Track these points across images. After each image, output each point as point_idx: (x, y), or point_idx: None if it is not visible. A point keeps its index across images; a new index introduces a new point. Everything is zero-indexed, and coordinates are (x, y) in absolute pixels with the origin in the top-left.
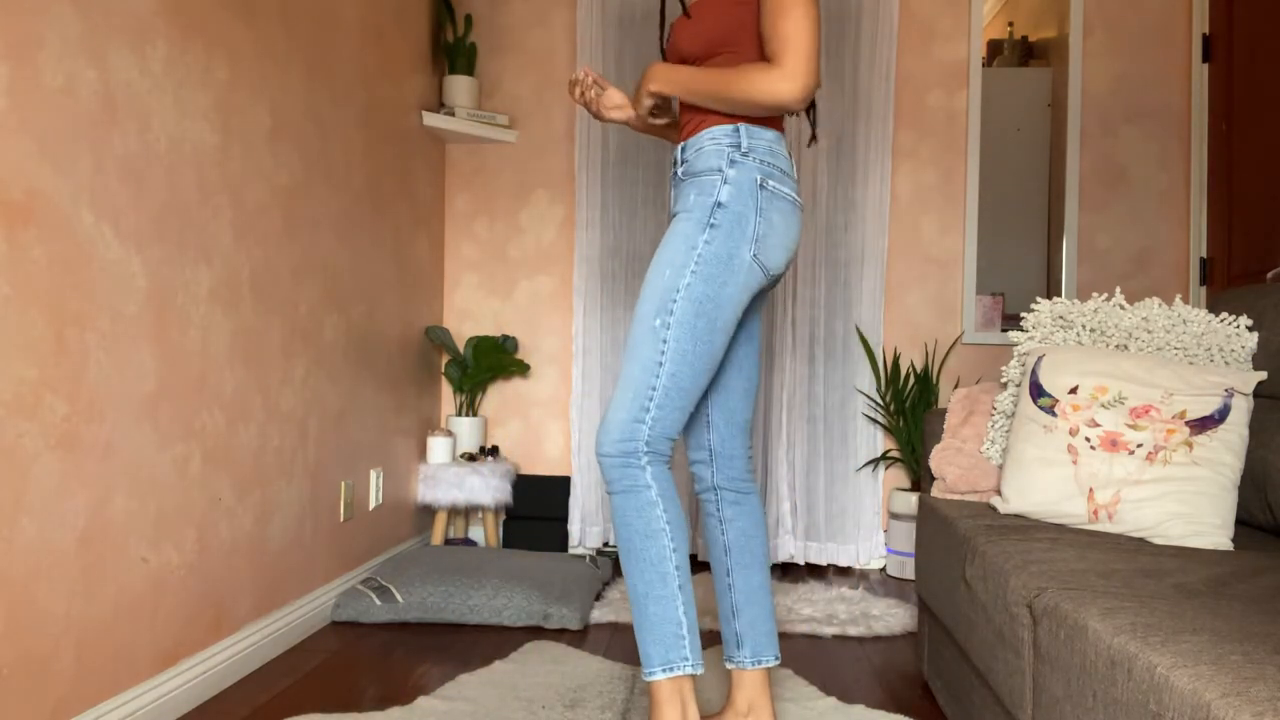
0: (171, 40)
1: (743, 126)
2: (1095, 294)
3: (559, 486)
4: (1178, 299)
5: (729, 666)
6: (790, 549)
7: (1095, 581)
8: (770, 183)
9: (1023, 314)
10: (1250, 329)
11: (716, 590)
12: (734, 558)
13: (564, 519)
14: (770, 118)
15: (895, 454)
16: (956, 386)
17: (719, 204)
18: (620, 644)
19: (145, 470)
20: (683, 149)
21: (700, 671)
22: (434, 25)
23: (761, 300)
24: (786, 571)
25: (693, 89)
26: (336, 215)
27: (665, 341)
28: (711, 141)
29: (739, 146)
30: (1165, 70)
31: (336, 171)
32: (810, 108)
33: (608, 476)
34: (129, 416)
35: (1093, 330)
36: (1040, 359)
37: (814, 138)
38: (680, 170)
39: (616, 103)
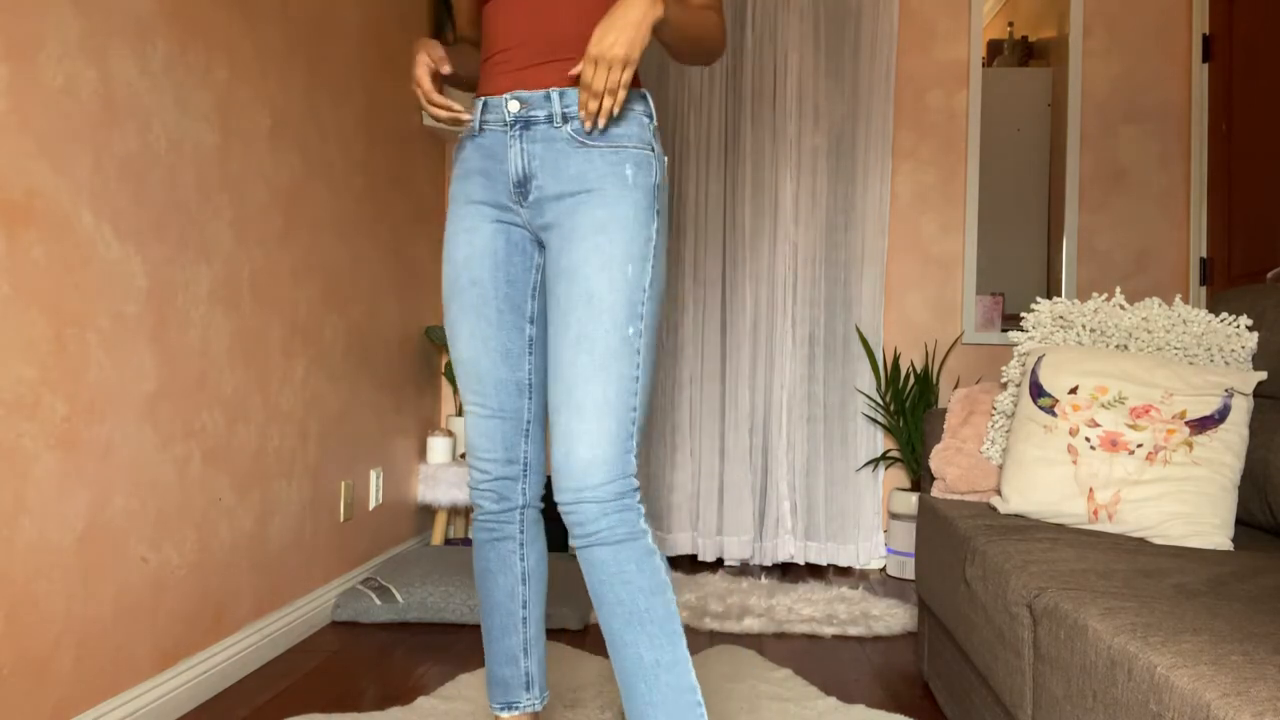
0: (171, 40)
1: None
2: (1095, 294)
3: None
4: (1178, 299)
5: (509, 714)
6: (790, 549)
7: (1095, 581)
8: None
9: (1023, 314)
10: (1250, 329)
11: (498, 629)
12: (532, 586)
13: None
14: None
15: (895, 454)
16: (956, 386)
17: (658, 187)
18: None
19: (145, 470)
20: (562, 95)
21: None
22: (434, 25)
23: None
24: (786, 571)
25: (683, 27)
26: (336, 215)
27: (639, 352)
28: (637, 105)
29: (652, 117)
30: (1165, 70)
31: (336, 171)
32: None
33: (594, 527)
34: (129, 416)
35: (1093, 330)
36: (1040, 359)
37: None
38: (568, 127)
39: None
